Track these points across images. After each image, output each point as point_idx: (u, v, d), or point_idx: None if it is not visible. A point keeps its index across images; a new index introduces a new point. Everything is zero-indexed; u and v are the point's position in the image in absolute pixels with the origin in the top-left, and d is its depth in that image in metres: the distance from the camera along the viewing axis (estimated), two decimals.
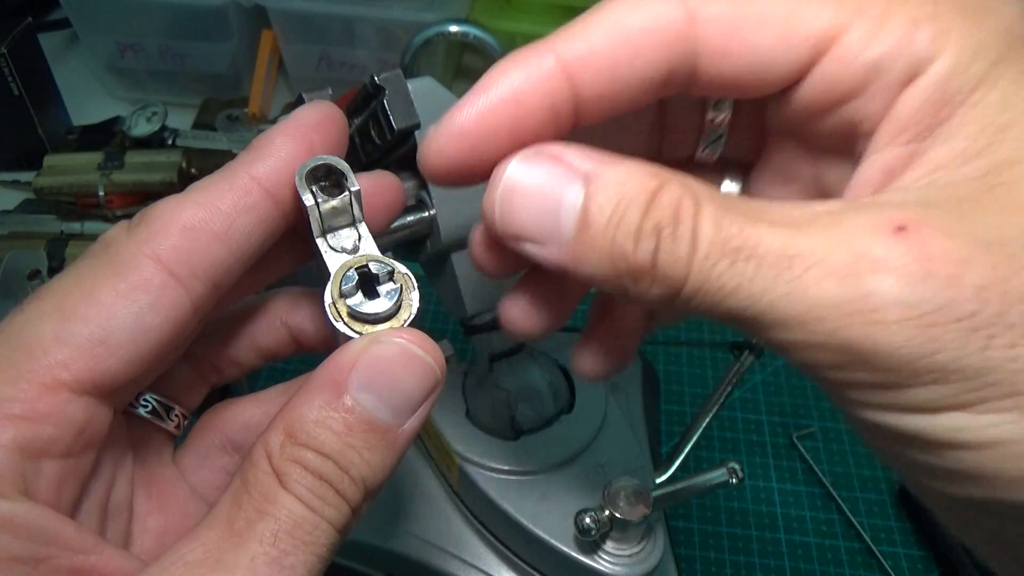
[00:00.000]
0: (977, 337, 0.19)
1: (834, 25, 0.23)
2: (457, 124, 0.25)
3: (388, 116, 0.36)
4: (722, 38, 0.23)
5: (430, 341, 0.26)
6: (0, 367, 0.24)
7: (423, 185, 0.39)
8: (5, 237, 0.76)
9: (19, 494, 0.23)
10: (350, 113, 0.41)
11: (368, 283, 0.27)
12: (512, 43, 0.86)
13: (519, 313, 0.31)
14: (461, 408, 0.53)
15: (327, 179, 0.28)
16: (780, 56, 0.23)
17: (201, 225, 0.26)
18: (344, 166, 0.27)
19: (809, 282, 0.20)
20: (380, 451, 0.25)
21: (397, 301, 0.27)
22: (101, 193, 0.74)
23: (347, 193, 0.27)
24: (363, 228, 0.28)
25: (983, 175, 0.21)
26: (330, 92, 0.38)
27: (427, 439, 0.56)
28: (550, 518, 0.48)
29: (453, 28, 0.77)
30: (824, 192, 0.28)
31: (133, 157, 0.78)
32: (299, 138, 0.28)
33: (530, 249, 0.24)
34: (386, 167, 0.37)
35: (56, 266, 0.73)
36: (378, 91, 0.36)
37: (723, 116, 0.28)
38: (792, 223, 0.21)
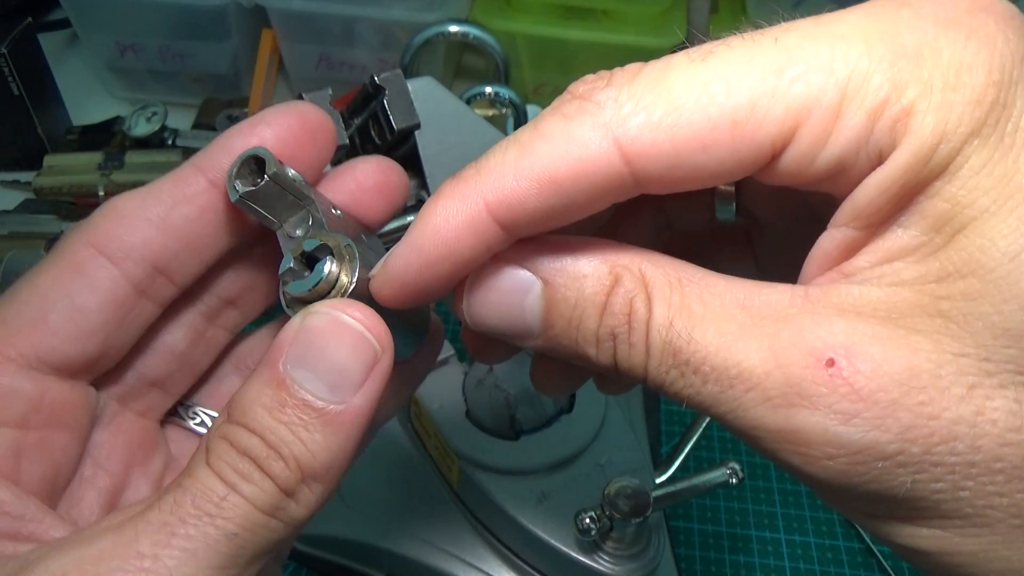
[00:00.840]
0: (903, 473, 0.20)
1: (785, 128, 0.21)
2: (396, 278, 0.25)
3: (388, 116, 0.36)
4: (662, 171, 0.22)
5: (368, 310, 0.25)
6: None
7: (423, 185, 0.39)
8: (5, 237, 0.76)
9: None
10: (350, 113, 0.41)
11: (312, 264, 0.27)
12: (512, 43, 0.86)
13: (548, 381, 0.32)
14: (461, 408, 0.53)
15: (261, 171, 0.27)
16: (732, 170, 0.22)
17: (136, 212, 0.28)
18: (263, 152, 0.26)
19: (748, 404, 0.21)
20: (320, 431, 0.24)
21: (329, 275, 0.26)
22: (101, 193, 0.74)
23: (266, 177, 0.26)
24: (313, 208, 0.28)
25: (932, 281, 0.20)
26: (330, 92, 0.38)
27: (427, 439, 0.56)
28: (550, 518, 0.48)
29: (453, 28, 0.77)
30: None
31: (133, 157, 0.78)
32: (249, 133, 0.28)
33: (510, 341, 0.26)
34: None
35: None
36: (378, 91, 0.36)
37: (728, 186, 0.28)
38: (738, 330, 0.22)
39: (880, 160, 0.21)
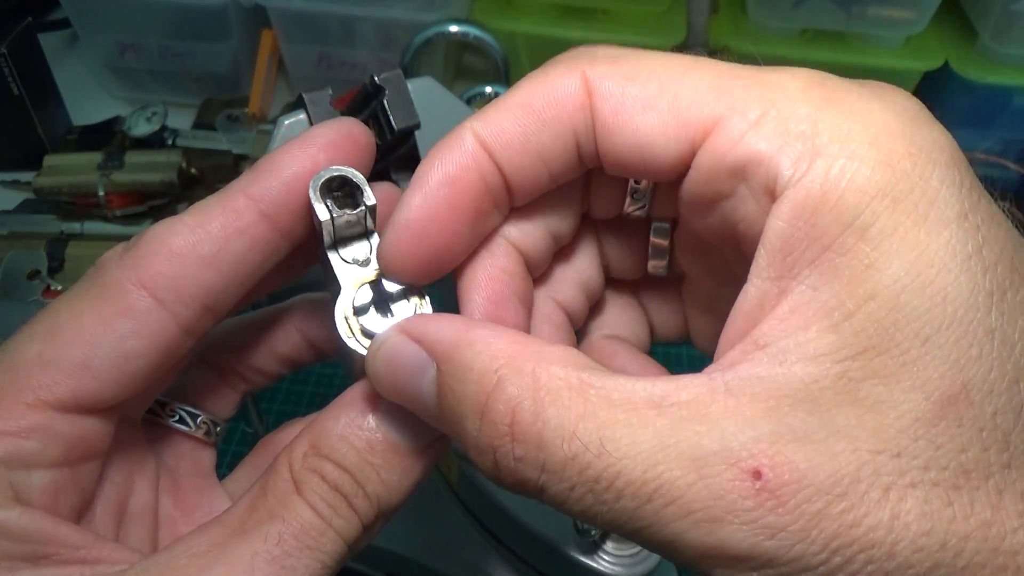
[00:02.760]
0: None
1: (711, 116, 0.22)
2: (403, 219, 0.25)
3: (388, 116, 0.36)
4: (611, 115, 0.24)
5: None
6: None
7: None
8: (5, 237, 0.76)
9: (10, 501, 0.24)
10: (350, 113, 0.41)
11: (380, 299, 0.27)
12: (512, 43, 0.86)
13: None
14: None
15: (341, 190, 0.27)
16: (660, 142, 0.23)
17: (188, 250, 0.26)
18: (360, 178, 0.27)
19: (667, 519, 0.20)
20: (398, 473, 0.26)
21: None
22: (101, 193, 0.74)
23: (362, 207, 0.27)
24: (375, 240, 0.28)
25: (848, 358, 0.20)
26: (330, 92, 0.38)
27: None
28: (550, 518, 0.48)
29: (453, 28, 0.77)
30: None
31: (133, 157, 0.78)
32: (304, 158, 0.27)
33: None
34: (386, 167, 0.37)
35: (56, 266, 0.73)
36: (378, 91, 0.36)
37: (643, 184, 0.28)
38: (654, 437, 0.20)
39: (781, 189, 0.21)
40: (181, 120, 0.88)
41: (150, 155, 0.79)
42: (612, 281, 0.32)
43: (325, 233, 0.27)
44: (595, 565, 0.47)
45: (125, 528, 0.29)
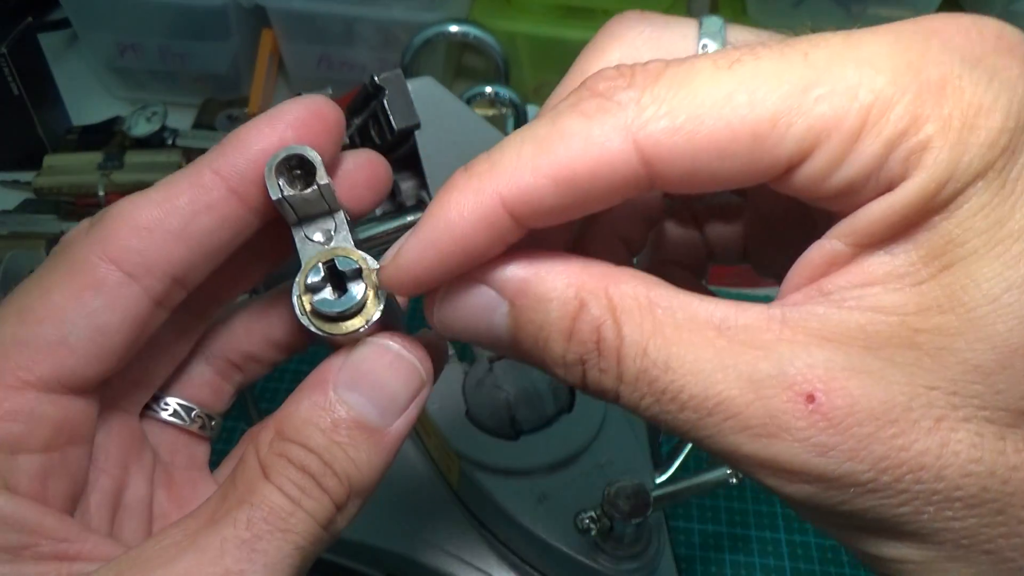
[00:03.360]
0: (872, 498, 0.21)
1: (804, 147, 0.21)
2: (407, 270, 0.24)
3: (388, 116, 0.36)
4: (678, 175, 0.22)
5: (416, 343, 0.27)
6: None
7: (423, 185, 0.39)
8: (5, 237, 0.76)
9: None
10: (350, 113, 0.41)
11: (336, 278, 0.27)
12: (512, 43, 0.86)
13: None
14: (461, 408, 0.53)
15: (302, 168, 0.27)
16: (745, 179, 0.22)
17: (156, 224, 0.26)
18: (314, 157, 0.26)
19: (727, 432, 0.22)
20: (367, 450, 0.26)
21: (362, 300, 0.26)
22: (101, 193, 0.74)
23: (315, 187, 0.26)
24: (339, 218, 0.28)
25: (912, 313, 0.21)
26: (330, 92, 0.38)
27: (427, 439, 0.56)
28: (550, 518, 0.48)
29: (453, 28, 0.77)
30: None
31: (133, 157, 0.78)
32: (270, 132, 0.27)
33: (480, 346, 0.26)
34: None
35: None
36: (378, 91, 0.36)
37: None
38: (715, 357, 0.22)
39: (888, 188, 0.21)
40: (181, 120, 0.88)
41: (150, 155, 0.79)
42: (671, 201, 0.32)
43: (283, 211, 0.27)
44: (595, 565, 0.47)
45: (120, 521, 0.29)
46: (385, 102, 0.35)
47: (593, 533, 0.45)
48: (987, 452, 0.20)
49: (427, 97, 0.37)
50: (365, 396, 0.26)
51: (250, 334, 0.34)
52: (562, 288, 0.23)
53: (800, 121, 0.21)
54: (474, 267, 0.25)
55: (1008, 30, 0.21)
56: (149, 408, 0.32)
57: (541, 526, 0.48)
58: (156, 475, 0.31)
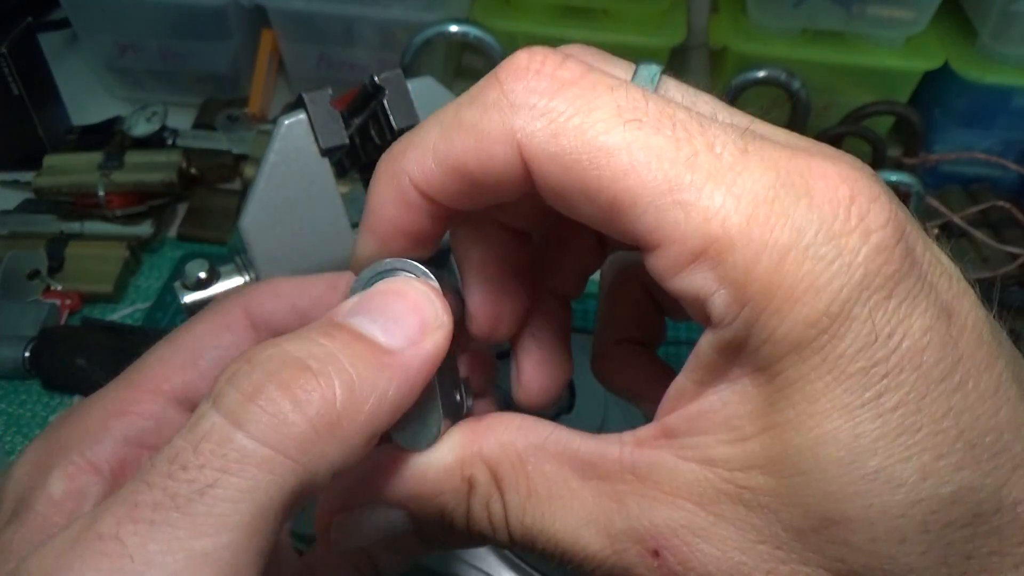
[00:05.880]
0: None
1: (648, 239, 0.22)
2: (359, 264, 0.27)
3: (388, 116, 0.36)
4: (554, 198, 0.23)
5: (434, 287, 0.26)
6: (123, 378, 0.32)
7: None
8: (5, 237, 0.75)
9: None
10: (350, 113, 0.41)
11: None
12: (512, 43, 0.85)
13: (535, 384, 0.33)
14: None
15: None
16: (611, 232, 0.23)
17: (288, 295, 0.34)
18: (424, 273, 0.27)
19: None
20: (370, 366, 0.23)
21: None
22: (101, 193, 0.74)
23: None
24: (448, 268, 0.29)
25: (737, 469, 0.22)
26: (330, 92, 0.38)
27: None
28: None
29: (453, 28, 0.77)
30: None
31: (133, 157, 0.78)
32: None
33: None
34: None
35: (56, 266, 0.73)
36: (378, 91, 0.36)
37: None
38: (581, 511, 0.25)
39: (718, 325, 0.22)
40: (181, 120, 0.88)
41: (150, 155, 0.79)
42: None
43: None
44: None
45: None
46: (385, 102, 0.35)
47: None
48: None
49: (427, 97, 0.37)
50: (367, 318, 0.24)
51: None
52: (450, 473, 0.27)
53: (652, 212, 0.21)
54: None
55: (879, 203, 0.21)
56: None
57: None
58: None
